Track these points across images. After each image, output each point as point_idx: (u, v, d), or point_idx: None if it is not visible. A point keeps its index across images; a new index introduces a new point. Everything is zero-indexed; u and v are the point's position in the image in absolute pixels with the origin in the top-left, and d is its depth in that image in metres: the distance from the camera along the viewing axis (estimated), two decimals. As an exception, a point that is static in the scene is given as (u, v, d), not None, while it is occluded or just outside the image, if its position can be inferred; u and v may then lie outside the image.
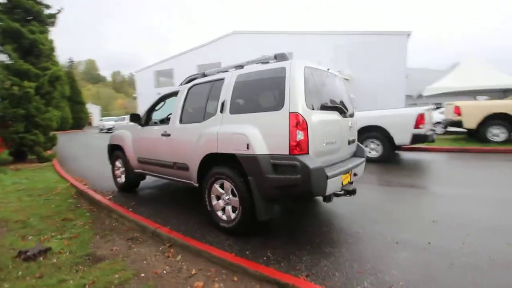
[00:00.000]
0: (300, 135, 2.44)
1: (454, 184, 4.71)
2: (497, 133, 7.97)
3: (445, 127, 9.75)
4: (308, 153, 2.49)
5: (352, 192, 2.96)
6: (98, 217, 3.59)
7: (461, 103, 8.63)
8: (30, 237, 2.92)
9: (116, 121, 23.67)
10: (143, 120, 4.27)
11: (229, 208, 2.95)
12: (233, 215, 2.90)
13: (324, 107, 2.83)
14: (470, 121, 8.28)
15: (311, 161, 2.42)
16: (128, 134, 4.60)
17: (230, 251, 2.56)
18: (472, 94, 18.14)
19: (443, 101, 20.56)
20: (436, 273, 2.17)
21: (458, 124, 8.56)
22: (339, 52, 16.57)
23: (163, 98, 4.19)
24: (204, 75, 3.72)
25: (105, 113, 49.81)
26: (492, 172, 5.51)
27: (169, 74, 25.13)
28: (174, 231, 2.86)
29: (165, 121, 4.49)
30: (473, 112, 8.24)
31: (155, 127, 4.09)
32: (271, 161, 2.54)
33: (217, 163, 3.02)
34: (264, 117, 2.63)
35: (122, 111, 58.47)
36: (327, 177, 2.48)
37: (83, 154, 10.10)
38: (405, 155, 7.59)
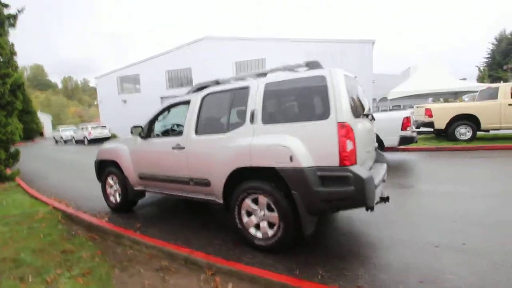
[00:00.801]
0: (350, 145, 2.37)
1: (448, 182, 5.03)
2: (464, 132, 8.80)
3: (417, 127, 10.50)
4: (356, 163, 2.43)
5: (386, 199, 2.96)
6: (105, 245, 3.12)
7: (432, 105, 9.41)
8: (30, 279, 2.42)
9: (75, 131, 21.56)
10: (144, 132, 3.86)
11: (264, 224, 2.76)
12: (270, 232, 2.72)
13: (360, 115, 2.80)
14: (440, 122, 9.03)
15: (362, 171, 2.36)
16: (124, 147, 4.14)
17: (277, 272, 2.37)
18: (428, 96, 20.08)
19: (402, 103, 22.45)
20: (487, 275, 2.22)
21: (430, 124, 9.28)
22: (311, 58, 17.11)
23: (168, 108, 3.84)
24: (218, 83, 3.49)
25: (57, 122, 45.48)
26: (474, 169, 6.02)
27: (135, 80, 23.75)
28: (212, 256, 2.58)
29: (169, 132, 4.12)
30: (442, 114, 9.01)
31: (162, 140, 3.72)
32: (318, 173, 2.42)
33: (249, 177, 2.82)
34: (307, 127, 2.51)
35: (77, 119, 53.82)
36: (375, 186, 2.44)
37: (49, 170, 8.97)
38: (387, 156, 8.00)
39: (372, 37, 18.97)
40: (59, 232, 3.53)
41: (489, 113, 8.45)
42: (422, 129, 10.49)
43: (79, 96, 75.97)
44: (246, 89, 3.01)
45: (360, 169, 2.36)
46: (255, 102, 2.86)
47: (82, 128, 20.49)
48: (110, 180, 4.41)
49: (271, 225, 2.73)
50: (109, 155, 4.32)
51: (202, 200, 3.37)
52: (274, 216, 2.67)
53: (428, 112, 9.22)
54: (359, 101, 3.03)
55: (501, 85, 8.73)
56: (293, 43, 17.71)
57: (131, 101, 23.24)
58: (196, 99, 3.42)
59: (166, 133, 4.21)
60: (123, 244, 3.09)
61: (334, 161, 2.38)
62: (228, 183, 2.94)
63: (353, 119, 2.48)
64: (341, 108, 2.40)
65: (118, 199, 4.31)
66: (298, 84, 2.70)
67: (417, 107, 10.40)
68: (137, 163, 3.93)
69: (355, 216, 3.54)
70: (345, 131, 2.36)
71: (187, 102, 3.57)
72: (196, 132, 3.28)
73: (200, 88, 3.63)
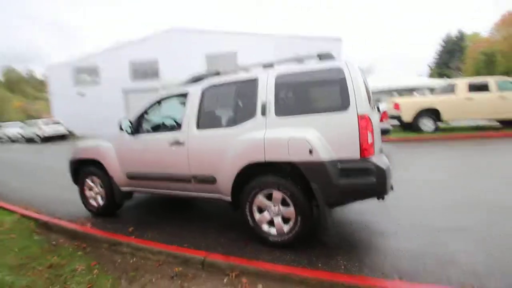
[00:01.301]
0: (370, 137, 2.38)
1: (424, 170, 5.41)
2: (427, 124, 9.56)
3: (386, 120, 11.15)
4: (374, 154, 2.44)
5: (391, 188, 3.05)
6: (99, 255, 2.78)
7: (400, 100, 10.06)
8: (18, 302, 2.05)
9: (23, 128, 19.15)
10: (133, 127, 3.50)
11: (279, 220, 2.68)
12: (286, 227, 2.65)
13: (373, 106, 2.83)
14: (408, 115, 9.71)
15: (382, 162, 2.39)
16: (107, 145, 3.73)
17: (300, 266, 2.33)
18: (387, 92, 21.59)
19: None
20: (493, 249, 2.41)
21: (398, 118, 9.93)
22: (281, 54, 17.22)
23: (159, 101, 3.52)
24: (218, 74, 3.29)
25: (-2, 119, 40.11)
26: (443, 156, 6.57)
27: (93, 71, 21.78)
28: (231, 256, 2.43)
29: (161, 127, 3.79)
30: (409, 107, 9.68)
31: (156, 135, 3.42)
32: (339, 165, 2.40)
33: (261, 172, 2.71)
34: (325, 119, 2.47)
35: (22, 115, 47.99)
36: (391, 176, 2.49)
37: (2, 174, 7.83)
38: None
39: (339, 36, 19.69)
40: (37, 243, 3.07)
41: (449, 106, 9.28)
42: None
43: (22, 89, 67.65)
44: (254, 81, 2.87)
45: (380, 160, 2.39)
46: (266, 94, 2.73)
47: (33, 125, 18.29)
48: (89, 182, 3.95)
49: (285, 220, 2.67)
50: (89, 153, 3.86)
51: (205, 198, 3.18)
52: (290, 211, 2.60)
53: (396, 106, 9.85)
54: (368, 92, 3.06)
55: (458, 80, 9.63)
56: (264, 37, 17.65)
57: (90, 94, 21.33)
58: (195, 91, 3.18)
59: (156, 128, 3.88)
60: (121, 252, 2.77)
61: (355, 153, 2.37)
62: (236, 179, 2.80)
63: (371, 110, 2.49)
64: (360, 100, 2.39)
65: (101, 202, 3.89)
66: (313, 75, 2.63)
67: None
68: (126, 162, 3.57)
69: (351, 206, 3.61)
70: (365, 123, 2.36)
71: (183, 95, 3.31)
72: (198, 126, 3.06)
73: (196, 80, 3.39)
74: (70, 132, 19.67)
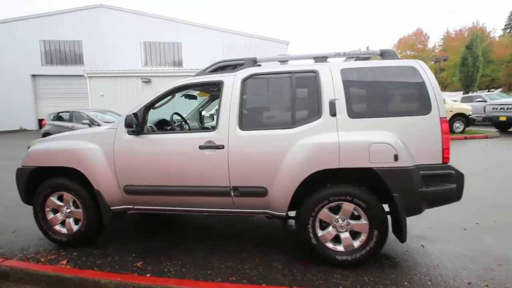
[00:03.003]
0: (449, 142, 2.30)
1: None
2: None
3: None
4: (449, 159, 2.39)
5: None
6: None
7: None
8: None
9: None
10: (138, 124, 2.60)
11: (346, 235, 2.37)
12: (356, 243, 2.36)
13: None
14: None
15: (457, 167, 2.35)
16: (91, 147, 2.70)
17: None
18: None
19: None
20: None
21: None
22: (230, 50, 16.75)
23: (173, 91, 2.73)
24: (255, 62, 2.74)
25: None
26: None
27: (-16, 48, 16.77)
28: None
29: (170, 124, 2.95)
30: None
31: (175, 136, 2.64)
32: (421, 172, 2.25)
33: (330, 181, 2.35)
34: (407, 122, 2.28)
35: None
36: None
37: None
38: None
39: (287, 39, 20.44)
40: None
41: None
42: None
43: None
44: (312, 73, 2.47)
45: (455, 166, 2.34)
46: (333, 90, 2.37)
47: None
48: (55, 200, 2.81)
49: (354, 235, 2.38)
50: (60, 159, 2.74)
51: (246, 214, 2.61)
52: (361, 224, 2.33)
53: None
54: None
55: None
56: (214, 31, 16.80)
57: (-21, 78, 16.37)
58: (232, 81, 2.56)
59: (162, 126, 3.02)
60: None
61: (437, 159, 2.27)
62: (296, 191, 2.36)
63: (445, 115, 2.42)
64: (441, 103, 2.30)
65: (75, 228, 2.81)
66: (384, 73, 2.40)
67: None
68: (124, 171, 2.64)
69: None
70: (447, 127, 2.28)
71: (214, 84, 2.65)
72: (241, 126, 2.46)
73: (222, 68, 2.76)
74: None
